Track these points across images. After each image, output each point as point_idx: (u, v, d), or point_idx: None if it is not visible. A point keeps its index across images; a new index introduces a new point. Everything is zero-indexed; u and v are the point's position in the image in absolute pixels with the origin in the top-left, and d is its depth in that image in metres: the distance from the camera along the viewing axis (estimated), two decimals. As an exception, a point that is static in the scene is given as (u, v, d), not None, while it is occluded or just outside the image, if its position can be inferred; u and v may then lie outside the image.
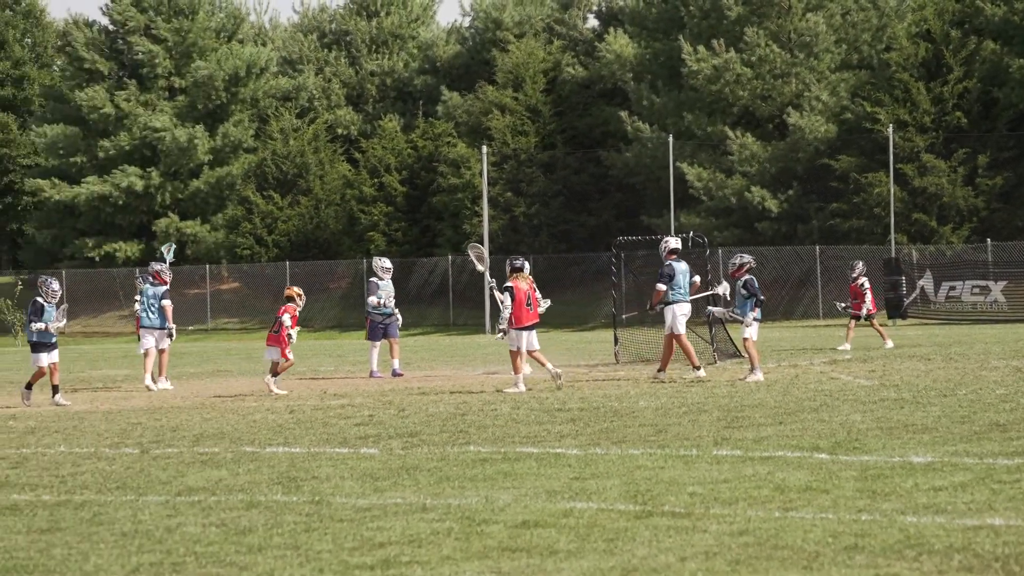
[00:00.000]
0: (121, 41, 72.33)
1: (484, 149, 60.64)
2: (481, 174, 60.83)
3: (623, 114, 61.15)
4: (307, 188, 67.57)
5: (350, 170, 68.21)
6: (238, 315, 65.28)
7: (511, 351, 21.72)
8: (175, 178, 70.31)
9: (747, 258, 22.96)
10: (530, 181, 62.99)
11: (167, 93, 71.86)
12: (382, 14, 77.29)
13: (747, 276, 22.70)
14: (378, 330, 27.10)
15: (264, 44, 76.62)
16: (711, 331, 27.37)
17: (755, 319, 22.35)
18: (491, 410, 18.26)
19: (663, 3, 62.66)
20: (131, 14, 71.26)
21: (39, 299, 21.81)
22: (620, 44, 62.09)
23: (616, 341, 28.95)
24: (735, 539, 9.05)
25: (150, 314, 24.97)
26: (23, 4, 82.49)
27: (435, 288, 63.84)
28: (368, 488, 11.75)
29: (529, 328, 21.62)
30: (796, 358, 27.99)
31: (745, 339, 22.20)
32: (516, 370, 21.61)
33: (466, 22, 75.71)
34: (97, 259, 68.86)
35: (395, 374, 26.64)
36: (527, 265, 22.43)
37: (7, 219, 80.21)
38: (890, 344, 31.25)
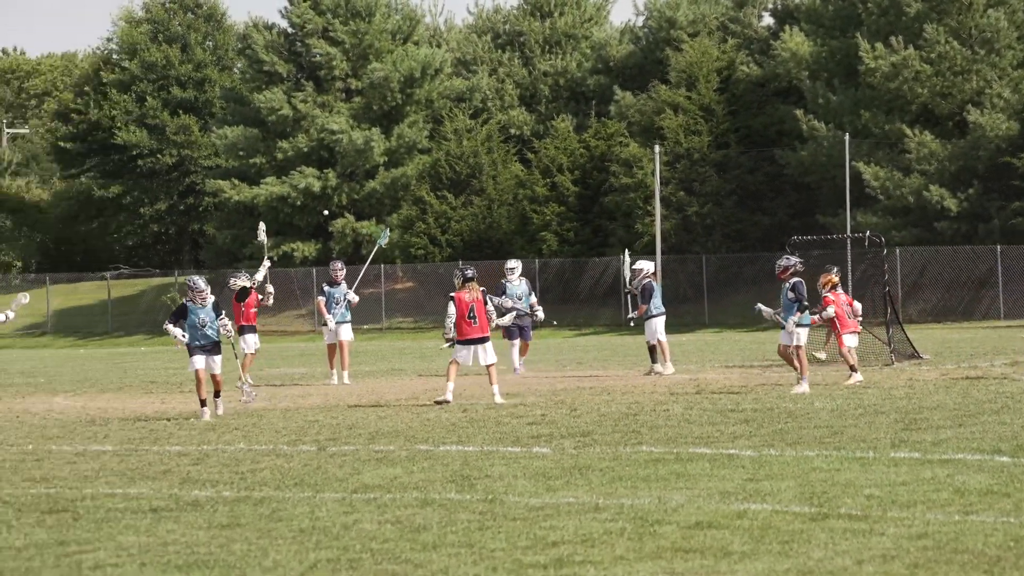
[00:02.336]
0: (299, 43, 73.33)
1: (657, 149, 60.37)
2: (653, 173, 60.59)
3: (798, 113, 60.48)
4: (480, 188, 67.94)
5: (523, 170, 68.41)
6: (412, 314, 65.87)
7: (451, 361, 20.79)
8: (351, 179, 71.15)
9: (793, 260, 21.75)
10: (703, 180, 62.61)
11: (344, 95, 72.72)
12: (556, 14, 77.39)
13: (795, 279, 21.45)
14: (514, 329, 27.35)
15: (439, 45, 77.17)
16: (888, 332, 26.97)
17: (799, 324, 21.06)
18: (663, 410, 18.19)
19: (840, 0, 61.89)
20: (309, 16, 72.24)
21: (186, 301, 20.17)
22: (796, 42, 61.42)
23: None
24: (913, 542, 8.91)
25: (342, 309, 26.20)
26: (205, 7, 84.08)
27: (606, 288, 63.78)
28: (541, 487, 11.77)
29: (476, 341, 20.66)
30: (976, 360, 27.46)
31: (787, 345, 21.05)
32: (448, 378, 20.54)
33: (639, 21, 75.51)
34: (275, 259, 69.98)
35: (515, 372, 27.20)
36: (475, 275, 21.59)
37: (189, 219, 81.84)
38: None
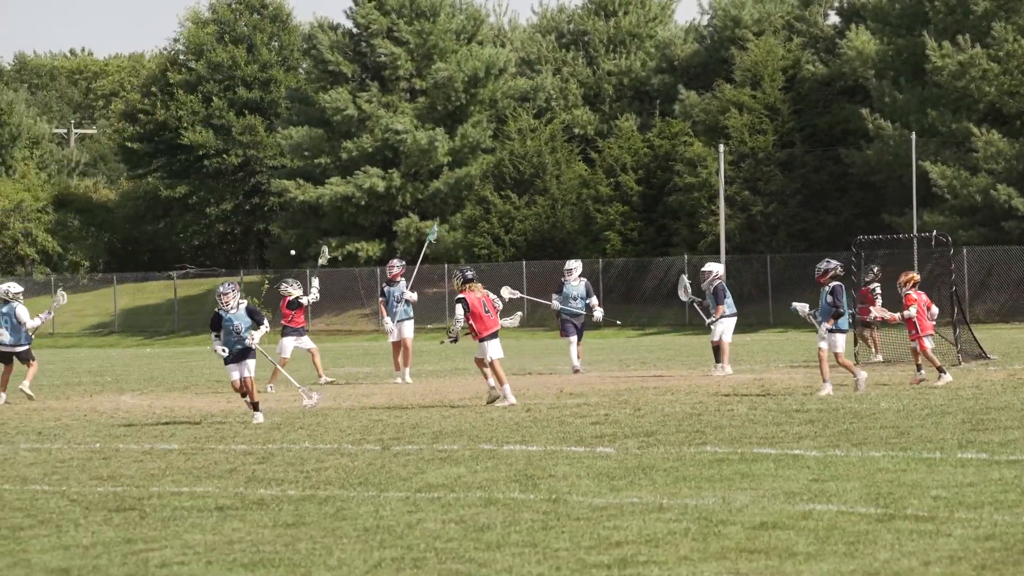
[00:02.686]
0: (364, 43, 73.55)
1: (721, 148, 60.22)
2: (718, 173, 60.44)
3: (864, 111, 60.13)
4: (544, 188, 67.93)
5: (586, 170, 68.36)
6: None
7: (477, 359, 20.79)
8: (415, 179, 71.32)
9: (833, 264, 21.27)
10: (768, 180, 62.35)
11: (408, 95, 72.91)
12: (620, 13, 77.29)
13: (834, 283, 20.98)
14: (570, 327, 27.51)
15: (503, 45, 77.22)
16: (955, 332, 26.78)
17: (830, 330, 20.56)
18: (727, 410, 18.13)
19: (906, -2, 61.49)
20: (374, 17, 72.45)
21: (217, 309, 19.66)
22: (862, 40, 61.07)
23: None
24: (981, 544, 8.84)
25: (402, 308, 26.31)
26: (270, 8, 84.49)
27: (670, 288, 63.63)
28: (604, 487, 11.76)
29: (492, 337, 20.79)
30: (1044, 360, 27.22)
31: (820, 349, 20.63)
32: (486, 377, 20.57)
33: (704, 20, 75.33)
34: (340, 258, 70.23)
35: (574, 371, 27.44)
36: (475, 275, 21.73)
37: (254, 219, 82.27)
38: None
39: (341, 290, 67.05)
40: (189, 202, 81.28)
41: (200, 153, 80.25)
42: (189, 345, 61.26)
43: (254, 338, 19.31)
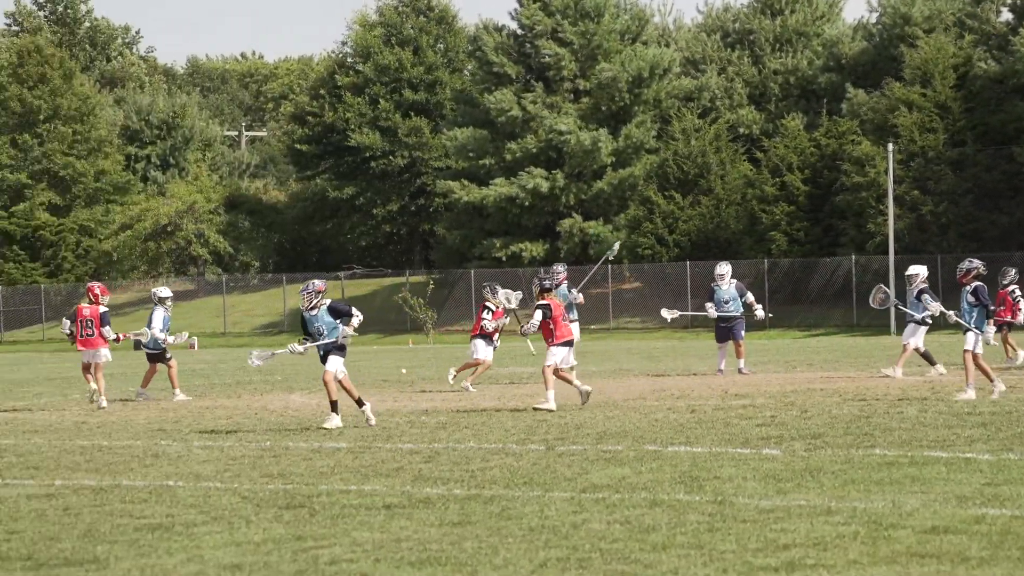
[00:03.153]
0: (528, 45, 73.82)
1: (890, 147, 59.41)
2: (886, 172, 59.62)
3: (1037, 109, 58.98)
4: (708, 188, 67.58)
5: (751, 169, 67.90)
6: (639, 314, 65.83)
7: (546, 367, 20.51)
8: (579, 179, 71.38)
9: (976, 263, 20.76)
10: (938, 179, 61.37)
11: (572, 95, 73.01)
12: (787, 12, 76.64)
13: (977, 283, 20.43)
14: (723, 331, 27.92)
15: (667, 45, 76.98)
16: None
17: (967, 329, 20.06)
18: (896, 412, 17.88)
19: (1082, -8, 60.15)
20: (539, 18, 72.67)
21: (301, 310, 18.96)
22: (1035, 37, 59.87)
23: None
24: None
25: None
26: (436, 10, 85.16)
27: (837, 288, 62.93)
28: (771, 489, 11.67)
29: (568, 344, 21.14)
30: None
31: (966, 351, 20.13)
32: (548, 386, 20.26)
33: (873, 18, 74.39)
34: (504, 259, 70.54)
35: (740, 372, 27.73)
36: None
37: (420, 220, 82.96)
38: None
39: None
40: (356, 203, 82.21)
41: (367, 155, 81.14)
42: (356, 345, 61.91)
43: (346, 333, 18.63)
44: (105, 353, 24.69)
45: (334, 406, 18.59)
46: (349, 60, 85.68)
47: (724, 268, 28.59)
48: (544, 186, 70.23)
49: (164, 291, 26.51)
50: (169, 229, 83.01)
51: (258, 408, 22.80)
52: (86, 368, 24.78)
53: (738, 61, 75.90)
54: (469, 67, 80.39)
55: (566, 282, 27.08)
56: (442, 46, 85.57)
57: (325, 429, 18.31)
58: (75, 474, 14.40)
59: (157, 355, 26.25)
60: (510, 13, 74.65)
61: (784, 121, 68.94)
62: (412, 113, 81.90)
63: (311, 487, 12.75)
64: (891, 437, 15.12)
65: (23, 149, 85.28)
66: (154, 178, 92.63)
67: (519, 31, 74.46)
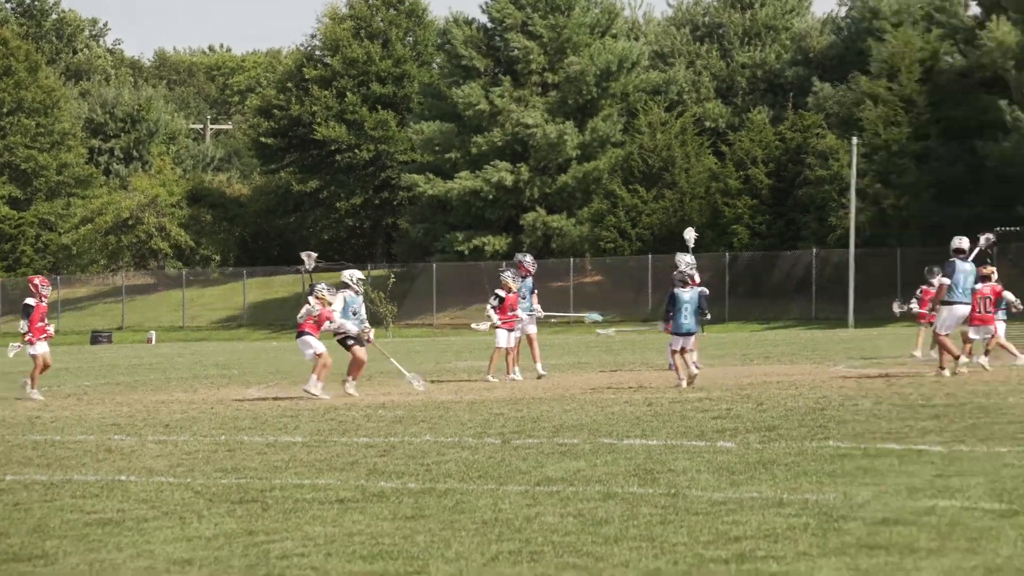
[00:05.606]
0: (498, 38, 73.80)
1: (854, 140, 59.63)
2: (850, 165, 59.83)
3: (1002, 103, 59.24)
4: (672, 181, 67.70)
5: (716, 163, 68.06)
6: (601, 308, 65.87)
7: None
8: (543, 173, 71.40)
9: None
10: (901, 172, 61.62)
11: (540, 89, 73.02)
12: (756, 6, 76.86)
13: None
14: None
15: (636, 39, 77.08)
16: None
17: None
18: (851, 405, 17.94)
19: (1047, -13, 60.47)
20: (509, 11, 72.60)
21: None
22: (1002, 32, 60.14)
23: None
24: (1107, 541, 8.67)
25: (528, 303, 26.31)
26: (406, 3, 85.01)
27: (797, 281, 63.15)
28: (724, 482, 11.69)
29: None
30: None
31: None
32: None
33: (842, 12, 74.68)
34: (466, 252, 70.54)
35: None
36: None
37: (383, 213, 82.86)
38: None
39: (466, 284, 67.35)
40: (320, 197, 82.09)
41: (332, 148, 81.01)
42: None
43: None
44: (36, 347, 24.66)
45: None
46: (317, 53, 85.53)
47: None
48: (508, 179, 70.25)
49: (357, 273, 25.12)
50: (130, 223, 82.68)
51: (214, 402, 22.73)
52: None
53: (706, 55, 76.09)
54: (438, 60, 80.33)
55: (531, 279, 26.89)
56: (411, 39, 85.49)
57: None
58: (26, 469, 14.33)
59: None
60: (480, 6, 74.75)
61: (750, 115, 69.15)
62: (379, 106, 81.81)
63: (264, 481, 12.71)
64: (845, 429, 15.16)
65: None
66: (117, 171, 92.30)
67: (489, 24, 74.44)
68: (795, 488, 11.18)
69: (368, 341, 23.23)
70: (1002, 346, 25.40)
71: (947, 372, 22.38)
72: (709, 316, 24.55)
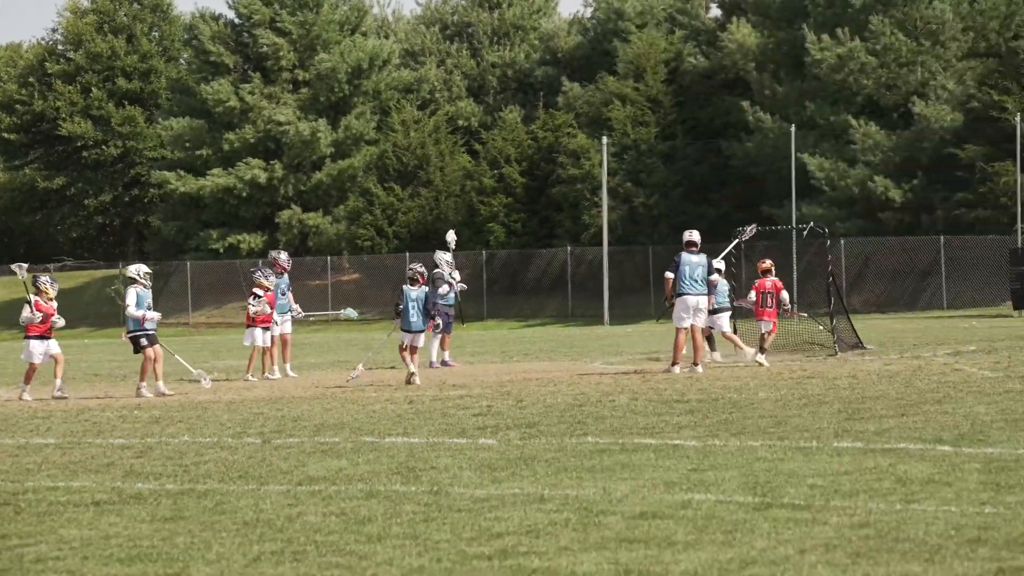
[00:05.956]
0: (246, 34, 73.09)
1: (604, 140, 60.55)
2: (601, 165, 60.73)
3: (745, 104, 60.77)
4: (427, 180, 67.89)
5: (470, 161, 68.45)
6: (359, 306, 65.76)
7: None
8: (298, 171, 70.94)
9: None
10: (650, 172, 62.80)
11: (291, 86, 72.53)
12: (504, 5, 77.47)
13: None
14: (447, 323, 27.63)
15: (387, 37, 77.07)
16: (832, 322, 27.10)
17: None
18: (609, 401, 18.22)
19: (786, -8, 62.19)
20: (256, 7, 71.97)
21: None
22: (743, 34, 61.70)
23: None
24: (855, 531, 8.95)
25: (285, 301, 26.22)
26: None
27: (553, 279, 63.90)
28: (486, 478, 11.77)
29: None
30: (919, 350, 27.65)
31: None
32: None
33: (587, 13, 75.71)
34: (221, 250, 69.72)
35: (444, 364, 27.29)
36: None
37: (134, 211, 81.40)
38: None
39: (221, 283, 66.53)
40: (67, 194, 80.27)
41: (79, 144, 79.30)
42: (67, 339, 60.36)
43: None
44: None
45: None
46: (60, 48, 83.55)
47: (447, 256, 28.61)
48: (262, 177, 69.64)
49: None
50: None
51: (-38, 405, 22.04)
52: None
53: (457, 54, 76.43)
54: (185, 56, 79.22)
55: (287, 276, 26.79)
56: (157, 34, 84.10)
57: None
58: None
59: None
60: (227, 2, 73.83)
61: (502, 114, 69.69)
62: (126, 102, 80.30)
63: (16, 484, 12.38)
64: (603, 425, 15.39)
65: None
66: None
67: (237, 20, 73.66)
68: (556, 484, 11.31)
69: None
70: (729, 338, 26.05)
71: (677, 369, 22.84)
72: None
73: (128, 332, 22.78)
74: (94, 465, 13.58)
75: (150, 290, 23.09)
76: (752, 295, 24.89)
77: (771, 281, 24.93)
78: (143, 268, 23.25)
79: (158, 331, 23.12)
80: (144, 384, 22.29)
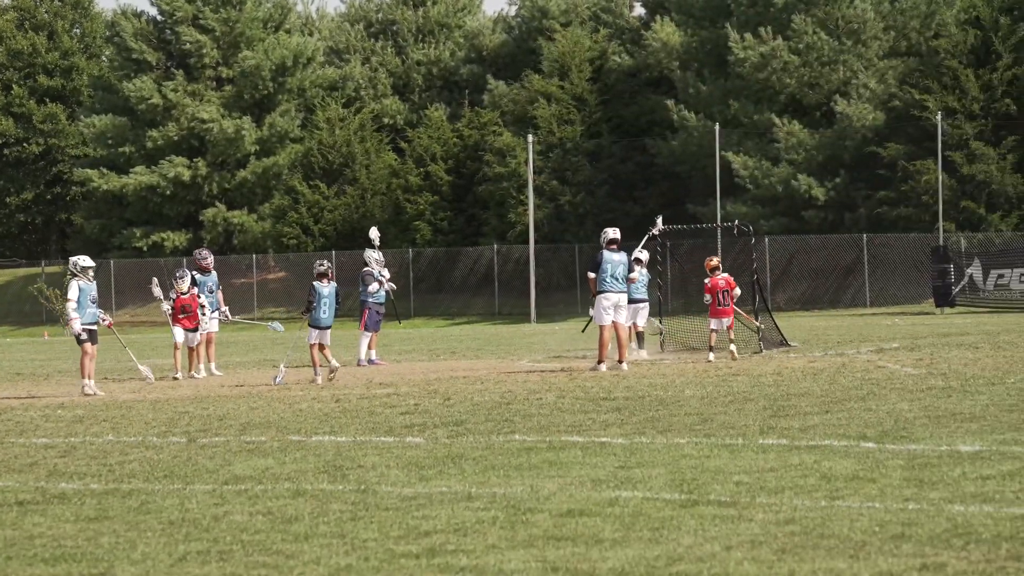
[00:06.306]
0: (169, 31, 72.62)
1: (530, 138, 60.61)
2: (527, 163, 60.81)
3: (669, 103, 61.03)
4: (353, 178, 67.72)
5: (396, 160, 68.34)
6: (284, 304, 65.53)
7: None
8: (222, 168, 70.57)
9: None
10: (576, 170, 62.94)
11: (214, 83, 72.14)
12: (428, 3, 77.38)
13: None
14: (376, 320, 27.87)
15: (311, 34, 76.81)
16: (757, 319, 27.27)
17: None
18: (536, 399, 18.25)
19: (710, -9, 62.51)
20: (179, 4, 71.54)
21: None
22: (667, 32, 61.96)
23: (661, 332, 28.85)
24: (781, 528, 9.01)
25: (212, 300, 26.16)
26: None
27: (480, 277, 63.92)
28: (414, 477, 11.76)
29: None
30: (843, 347, 27.88)
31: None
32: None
33: (512, 11, 75.75)
34: (145, 249, 69.25)
35: (371, 362, 27.57)
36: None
37: (56, 209, 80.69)
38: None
39: (146, 281, 66.03)
40: (-12, 191, 79.44)
41: (0, 142, 78.50)
42: (-11, 338, 59.74)
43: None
44: None
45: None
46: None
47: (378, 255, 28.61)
48: (186, 175, 69.22)
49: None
50: None
51: None
52: None
53: (381, 51, 76.26)
54: (107, 53, 78.60)
55: (214, 273, 26.76)
56: (78, 31, 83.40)
57: None
58: None
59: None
60: (149, -1, 73.36)
61: (427, 112, 69.61)
62: (47, 99, 79.58)
63: (-62, 486, 12.26)
64: (530, 423, 15.41)
65: None
66: None
67: (159, 17, 73.17)
68: (483, 482, 11.32)
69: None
70: (635, 331, 26.18)
71: (604, 367, 22.94)
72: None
73: (83, 325, 22.44)
74: (17, 465, 13.46)
75: (94, 283, 22.91)
76: (707, 297, 24.92)
77: (723, 278, 25.03)
78: (85, 261, 23.04)
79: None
80: (91, 381, 22.10)
